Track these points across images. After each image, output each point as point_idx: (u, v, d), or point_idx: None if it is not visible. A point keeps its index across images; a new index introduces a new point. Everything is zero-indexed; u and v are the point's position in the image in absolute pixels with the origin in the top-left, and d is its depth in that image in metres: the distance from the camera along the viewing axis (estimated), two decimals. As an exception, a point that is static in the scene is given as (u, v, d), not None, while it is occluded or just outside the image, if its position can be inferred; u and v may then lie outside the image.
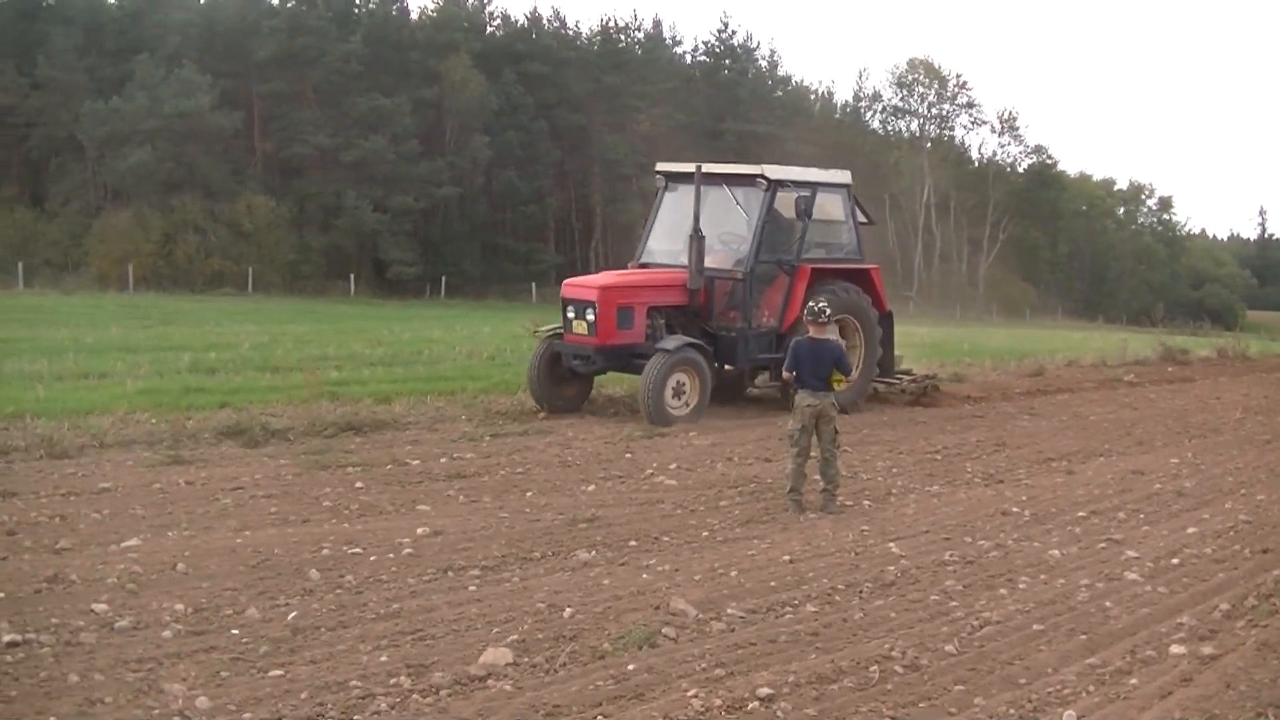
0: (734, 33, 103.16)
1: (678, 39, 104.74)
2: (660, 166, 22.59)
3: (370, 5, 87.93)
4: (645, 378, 19.31)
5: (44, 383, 20.28)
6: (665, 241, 21.95)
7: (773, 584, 10.55)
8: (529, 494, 13.90)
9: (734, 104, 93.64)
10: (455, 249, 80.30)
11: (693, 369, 19.76)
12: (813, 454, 13.87)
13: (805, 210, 21.14)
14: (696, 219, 20.02)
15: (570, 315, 20.29)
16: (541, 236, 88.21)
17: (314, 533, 11.78)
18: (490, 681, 7.99)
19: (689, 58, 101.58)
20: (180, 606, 9.37)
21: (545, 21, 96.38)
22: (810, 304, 14.13)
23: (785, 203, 21.38)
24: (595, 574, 10.68)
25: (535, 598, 9.83)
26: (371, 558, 10.90)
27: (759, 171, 21.25)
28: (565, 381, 20.69)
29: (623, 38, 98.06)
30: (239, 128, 76.39)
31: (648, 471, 15.41)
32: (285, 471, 14.70)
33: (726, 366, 21.59)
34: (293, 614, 9.26)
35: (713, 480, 15.02)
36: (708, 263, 20.71)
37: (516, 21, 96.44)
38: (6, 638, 8.55)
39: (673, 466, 15.75)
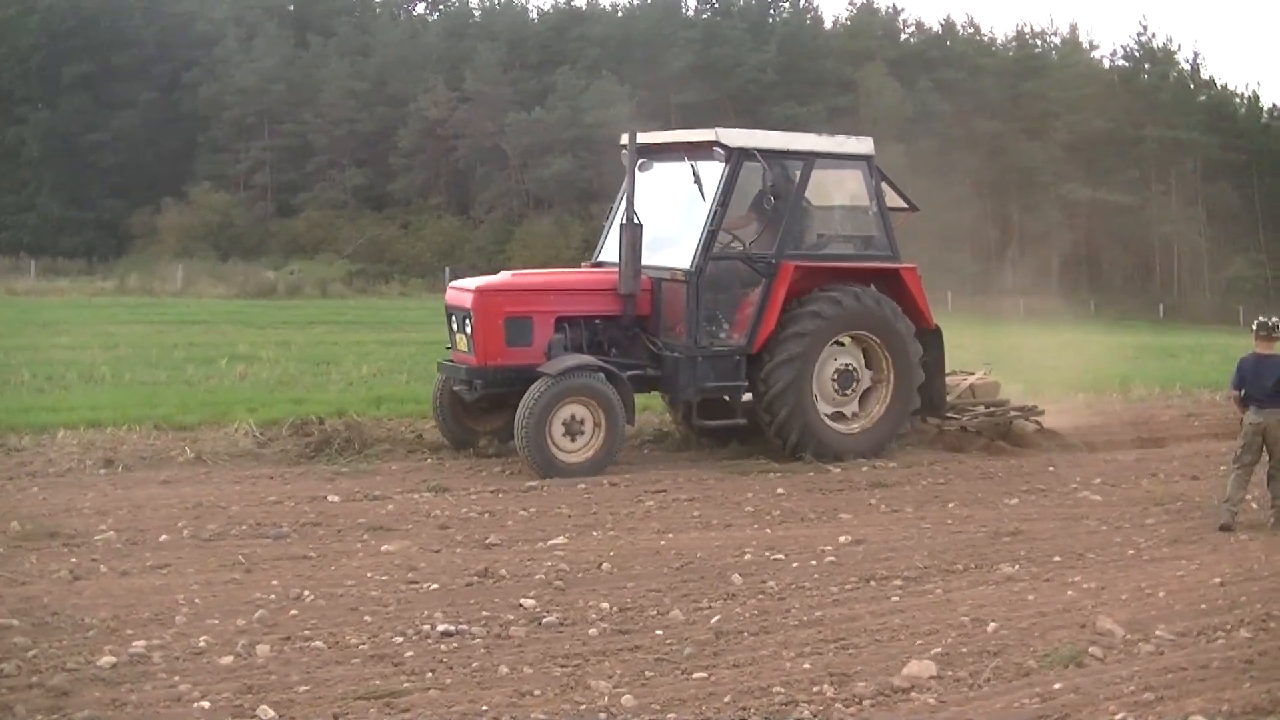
0: (1153, 35, 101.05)
1: (1095, 43, 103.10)
2: (626, 139, 16.78)
3: (784, 14, 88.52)
4: (520, 411, 14.74)
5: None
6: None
7: (1203, 606, 10.10)
8: (950, 505, 13.75)
9: (1154, 109, 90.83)
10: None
11: (594, 400, 15.00)
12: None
13: (774, 189, 15.85)
14: (630, 202, 15.60)
15: (453, 327, 16.19)
16: (957, 245, 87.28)
17: (736, 537, 11.89)
18: (913, 694, 7.88)
19: (1107, 62, 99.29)
20: (606, 605, 9.57)
21: (959, 28, 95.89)
22: (1260, 318, 13.47)
23: (816, 182, 16.84)
24: (1019, 589, 10.45)
25: (958, 610, 9.67)
26: (793, 564, 10.93)
27: (713, 137, 16.12)
28: (489, 411, 16.17)
29: (1039, 43, 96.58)
30: (656, 137, 77.61)
31: (1071, 486, 15.06)
32: (708, 476, 14.94)
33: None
34: (716, 617, 9.33)
35: (1138, 497, 14.55)
36: (661, 260, 16.12)
37: (930, 28, 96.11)
38: (441, 627, 8.89)
39: (1096, 481, 15.34)
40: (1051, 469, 16.23)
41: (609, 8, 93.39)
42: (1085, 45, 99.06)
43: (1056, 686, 8.08)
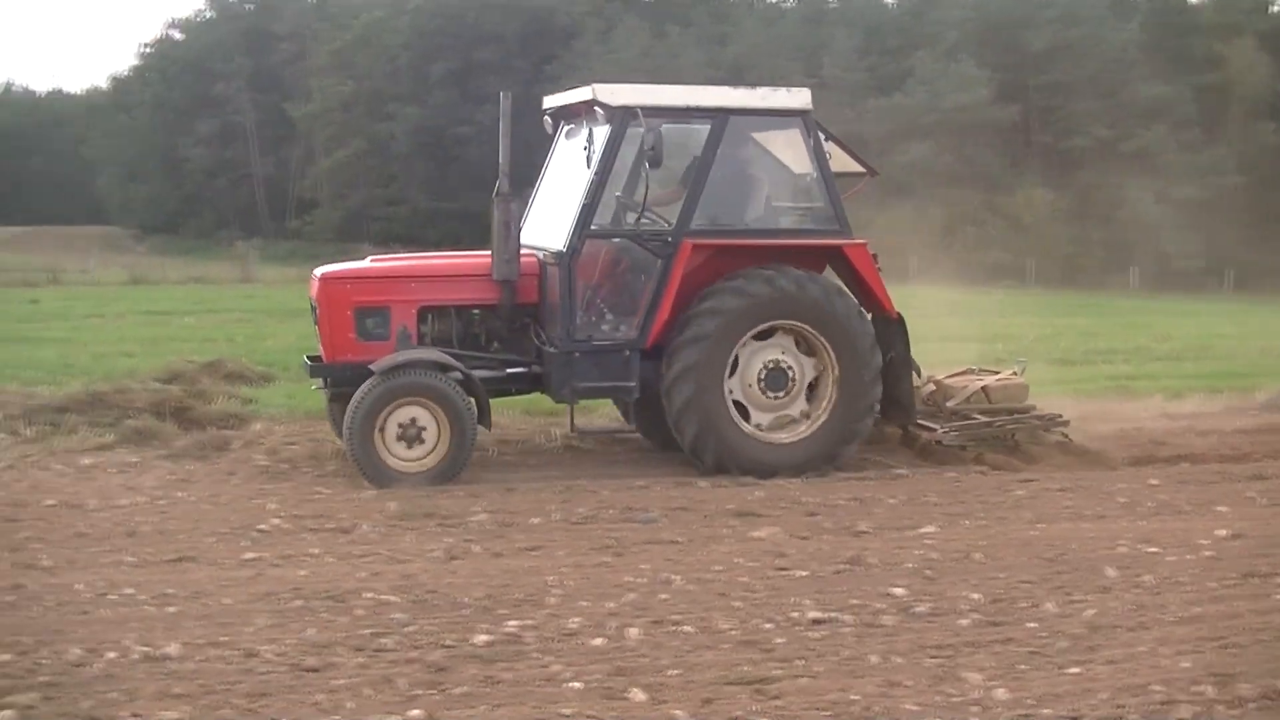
0: None
1: None
2: (548, 101, 15.59)
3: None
4: (347, 413, 13.05)
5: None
6: (548, 210, 14.69)
7: None
8: (1336, 500, 13.08)
9: None
10: (1242, 240, 77.51)
11: (434, 402, 13.05)
12: None
13: (652, 153, 13.24)
14: (502, 172, 13.85)
15: (314, 320, 14.48)
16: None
17: (1109, 529, 11.57)
18: (1303, 698, 7.58)
19: None
20: (977, 596, 9.44)
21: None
22: None
23: (776, 143, 14.86)
24: None
25: (1348, 612, 9.27)
26: (1169, 558, 10.57)
27: (590, 95, 14.12)
28: None
29: None
30: (1016, 120, 76.46)
31: None
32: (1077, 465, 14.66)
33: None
34: (1090, 611, 9.11)
35: None
36: (545, 240, 14.16)
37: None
38: (811, 614, 8.91)
39: None
40: None
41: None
42: None
43: None
